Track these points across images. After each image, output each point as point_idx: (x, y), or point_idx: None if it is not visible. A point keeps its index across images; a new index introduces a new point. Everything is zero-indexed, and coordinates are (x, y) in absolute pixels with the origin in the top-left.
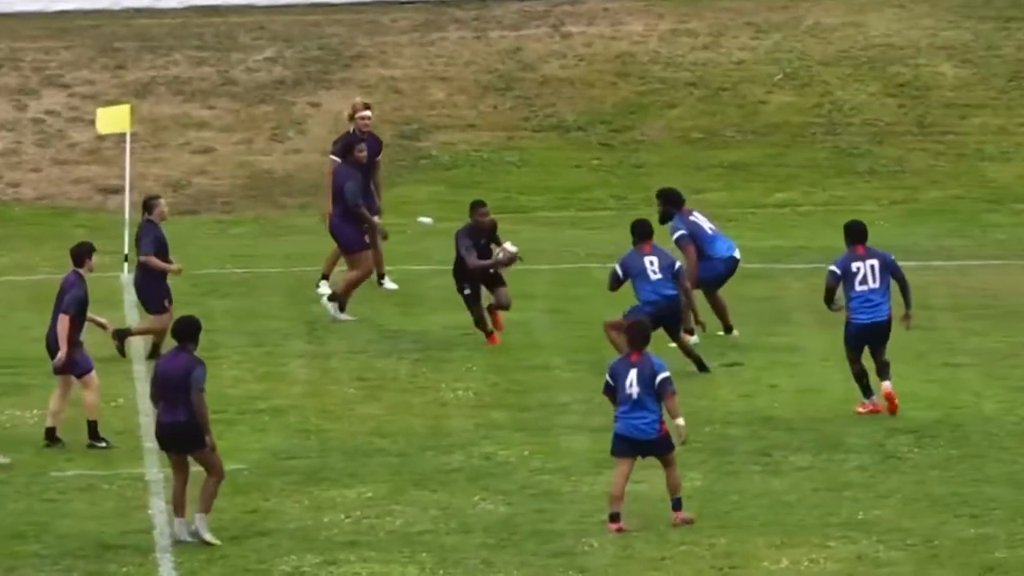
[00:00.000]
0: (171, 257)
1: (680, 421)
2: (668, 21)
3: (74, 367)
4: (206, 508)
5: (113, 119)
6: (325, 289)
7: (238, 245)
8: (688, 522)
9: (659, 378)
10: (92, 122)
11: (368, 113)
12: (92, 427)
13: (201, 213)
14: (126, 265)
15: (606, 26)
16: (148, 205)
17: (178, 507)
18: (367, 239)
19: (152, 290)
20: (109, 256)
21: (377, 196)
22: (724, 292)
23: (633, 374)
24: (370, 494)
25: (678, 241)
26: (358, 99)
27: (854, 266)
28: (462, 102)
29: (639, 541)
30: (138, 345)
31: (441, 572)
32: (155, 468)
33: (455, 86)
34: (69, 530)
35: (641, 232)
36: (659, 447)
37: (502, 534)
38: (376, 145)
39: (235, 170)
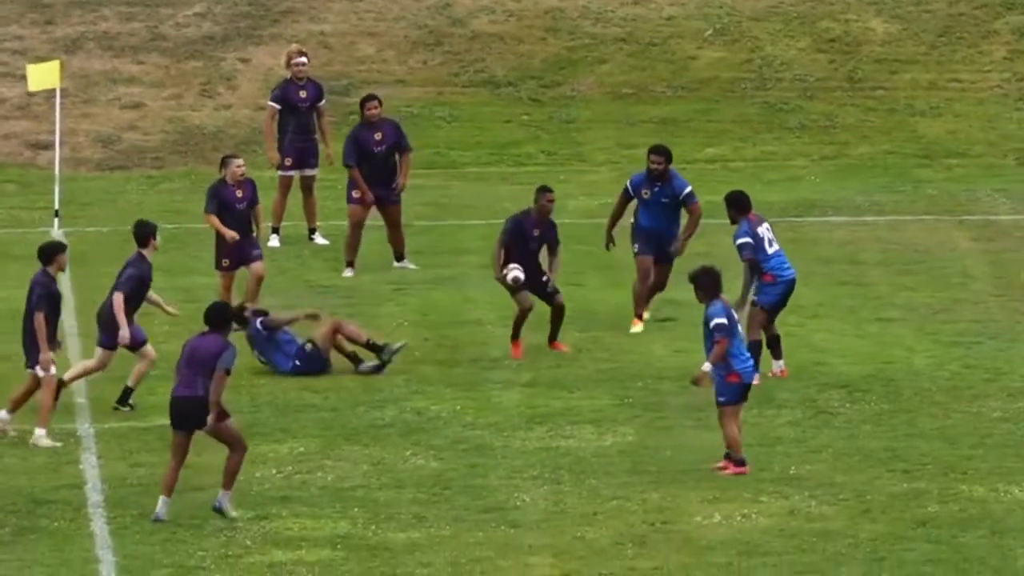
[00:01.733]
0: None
1: (707, 366)
2: None
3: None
4: (228, 485)
5: (43, 75)
6: (321, 240)
7: (168, 201)
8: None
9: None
10: (21, 78)
11: (304, 60)
12: (127, 392)
13: (131, 169)
14: (57, 220)
15: None
16: (223, 162)
17: (167, 486)
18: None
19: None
20: (39, 212)
21: (324, 142)
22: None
23: (735, 313)
24: (302, 449)
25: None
26: (293, 46)
27: (759, 232)
28: (392, 57)
29: (571, 496)
30: (68, 298)
31: (373, 527)
32: (87, 424)
33: (384, 41)
34: (0, 485)
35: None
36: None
37: (434, 489)
38: (316, 91)
39: (165, 125)
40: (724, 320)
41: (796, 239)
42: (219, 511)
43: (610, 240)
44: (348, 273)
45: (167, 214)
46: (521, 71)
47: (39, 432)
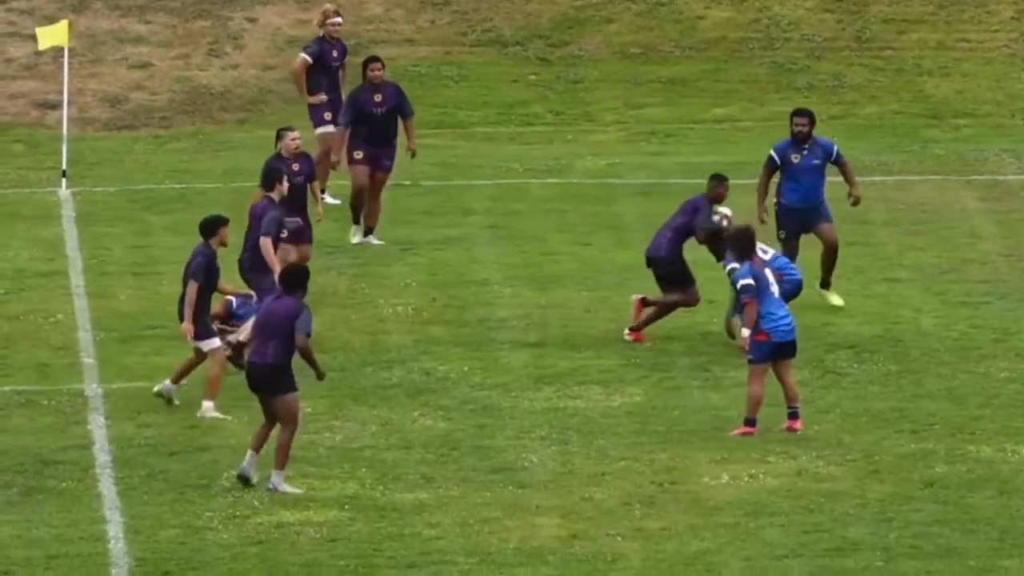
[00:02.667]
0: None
1: (746, 332)
2: None
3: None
4: (281, 464)
5: (52, 35)
6: (331, 199)
7: (176, 160)
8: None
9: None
10: (30, 37)
11: (339, 20)
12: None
13: (139, 128)
14: (64, 180)
15: None
16: (278, 135)
17: (255, 444)
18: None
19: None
20: (47, 172)
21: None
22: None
23: (769, 274)
24: (310, 410)
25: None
26: (328, 5)
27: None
28: (400, 16)
29: (579, 457)
30: (75, 258)
31: (381, 488)
32: (94, 384)
33: (393, 1)
34: (7, 445)
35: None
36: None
37: (442, 450)
38: (344, 50)
39: (172, 85)
40: (750, 280)
41: None
42: (275, 489)
43: (763, 212)
44: (356, 238)
45: (175, 174)
46: (529, 30)
47: (206, 405)
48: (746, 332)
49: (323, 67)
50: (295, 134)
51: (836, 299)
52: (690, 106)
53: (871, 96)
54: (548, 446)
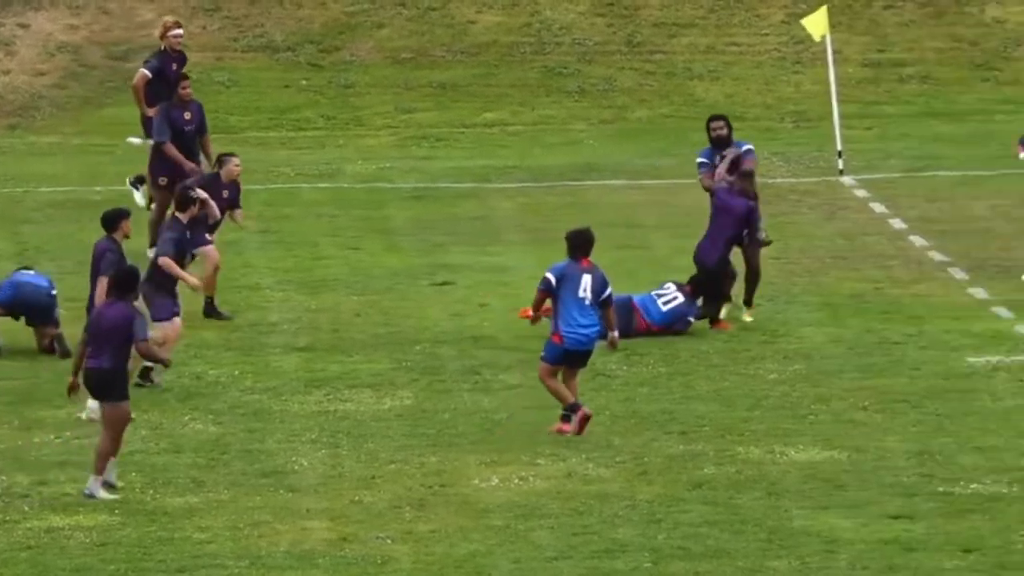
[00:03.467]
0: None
1: (615, 333)
2: None
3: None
4: (102, 468)
5: None
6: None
7: None
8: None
9: (609, 290)
10: None
11: (180, 32)
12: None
13: None
14: None
15: None
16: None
17: (105, 465)
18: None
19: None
20: None
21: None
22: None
23: (587, 282)
24: (81, 415)
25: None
26: (169, 18)
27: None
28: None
29: (349, 460)
30: None
31: (151, 492)
32: None
33: (164, 7)
34: None
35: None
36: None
37: (212, 454)
38: (183, 61)
39: None
40: (551, 276)
41: (574, 203)
42: (90, 495)
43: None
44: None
45: None
46: (300, 36)
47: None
48: (616, 333)
49: (163, 80)
50: (238, 160)
51: (747, 317)
52: (460, 110)
53: (642, 100)
54: (318, 449)
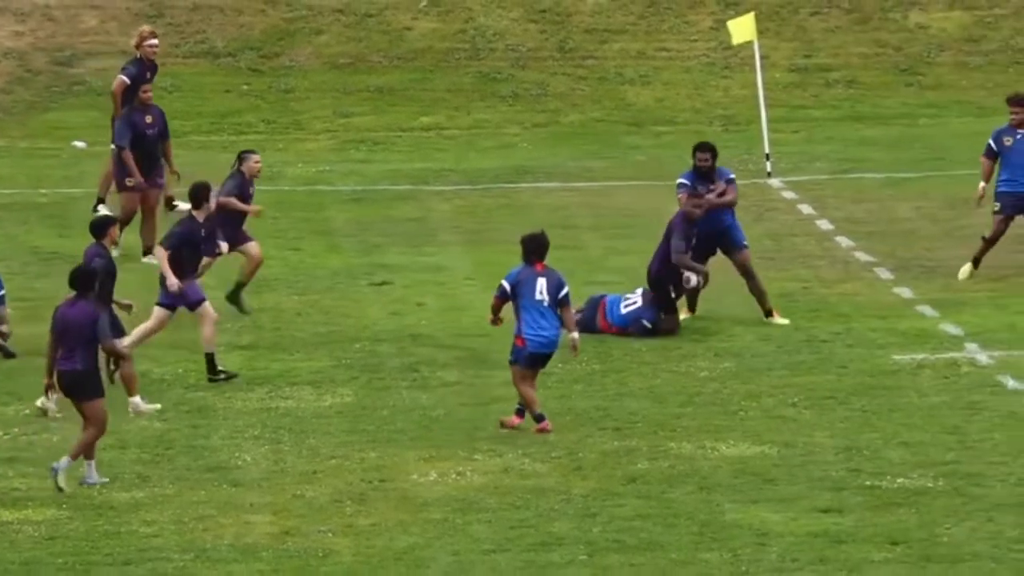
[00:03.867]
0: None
1: (575, 334)
2: None
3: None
4: (77, 455)
5: None
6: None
7: None
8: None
9: (565, 290)
10: None
11: (155, 41)
12: (210, 359)
13: None
14: None
15: None
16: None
17: (80, 454)
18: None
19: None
20: None
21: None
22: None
23: (542, 285)
24: (28, 411)
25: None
26: (145, 27)
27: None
28: (114, 29)
29: (291, 455)
30: None
31: (98, 487)
32: None
33: (107, 13)
34: None
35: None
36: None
37: (157, 449)
38: (155, 69)
39: None
40: (506, 283)
41: (509, 205)
42: (54, 481)
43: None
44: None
45: None
46: (241, 42)
47: (133, 401)
48: (576, 334)
49: (136, 86)
50: (258, 156)
51: (780, 319)
52: (398, 114)
53: (574, 104)
54: (261, 445)
